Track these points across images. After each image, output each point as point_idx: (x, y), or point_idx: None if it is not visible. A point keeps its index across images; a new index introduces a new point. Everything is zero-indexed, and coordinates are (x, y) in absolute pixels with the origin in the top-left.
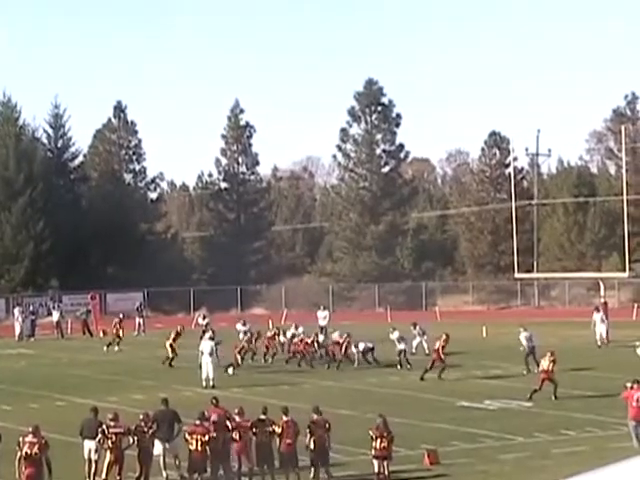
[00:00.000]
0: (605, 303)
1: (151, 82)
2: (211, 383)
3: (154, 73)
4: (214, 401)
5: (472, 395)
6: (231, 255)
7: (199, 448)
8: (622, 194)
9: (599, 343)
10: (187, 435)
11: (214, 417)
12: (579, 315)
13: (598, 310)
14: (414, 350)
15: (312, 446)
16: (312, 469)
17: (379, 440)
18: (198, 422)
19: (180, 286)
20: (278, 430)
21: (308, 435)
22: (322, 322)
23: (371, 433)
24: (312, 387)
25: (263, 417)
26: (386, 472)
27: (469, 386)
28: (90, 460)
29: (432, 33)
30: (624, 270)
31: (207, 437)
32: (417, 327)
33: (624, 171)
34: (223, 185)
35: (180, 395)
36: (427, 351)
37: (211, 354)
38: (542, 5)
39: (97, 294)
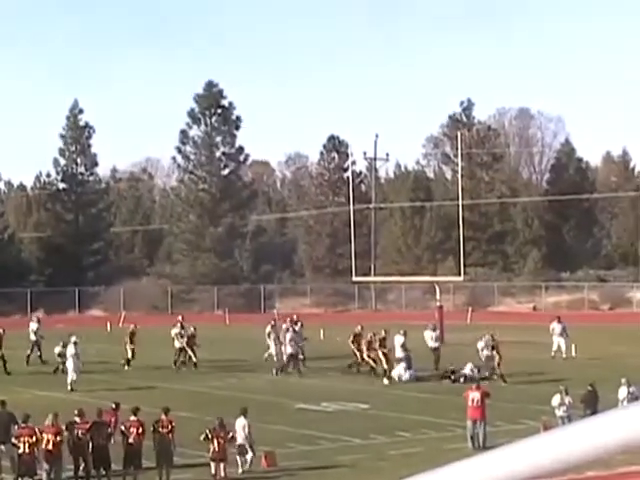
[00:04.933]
0: (441, 307)
1: None
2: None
3: None
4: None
5: (309, 397)
6: (69, 256)
7: (27, 450)
8: (458, 199)
9: (564, 355)
10: (14, 439)
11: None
12: (415, 318)
13: (559, 320)
14: (301, 355)
15: (156, 446)
16: (158, 471)
17: (216, 441)
18: (23, 425)
19: (17, 287)
20: (122, 429)
21: (152, 435)
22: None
23: (208, 434)
24: (161, 391)
25: (99, 419)
26: (223, 474)
27: (306, 388)
28: None
29: (268, 35)
30: (459, 274)
31: (34, 439)
32: (297, 323)
33: (460, 176)
34: (61, 186)
35: (19, 397)
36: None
37: (74, 357)
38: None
39: None
